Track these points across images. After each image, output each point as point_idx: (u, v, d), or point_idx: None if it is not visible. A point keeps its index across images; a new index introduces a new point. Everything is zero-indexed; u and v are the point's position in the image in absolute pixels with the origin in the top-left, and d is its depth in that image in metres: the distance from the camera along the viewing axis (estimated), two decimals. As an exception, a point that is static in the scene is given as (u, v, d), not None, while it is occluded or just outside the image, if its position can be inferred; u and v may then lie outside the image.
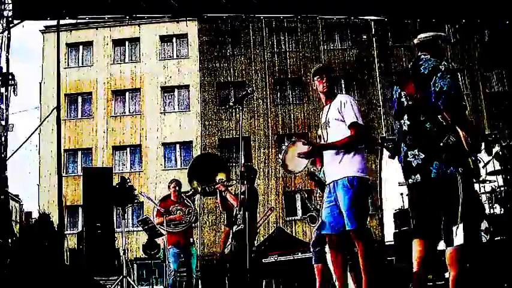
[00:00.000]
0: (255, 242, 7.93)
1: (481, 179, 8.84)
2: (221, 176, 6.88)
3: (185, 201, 7.90)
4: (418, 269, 3.46)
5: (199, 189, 7.07)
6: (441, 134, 3.36)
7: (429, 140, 3.39)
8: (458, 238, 3.32)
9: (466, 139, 3.34)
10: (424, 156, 3.40)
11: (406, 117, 3.52)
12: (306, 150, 4.34)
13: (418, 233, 3.50)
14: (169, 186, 8.11)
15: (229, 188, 6.87)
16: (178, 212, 7.76)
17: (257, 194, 6.93)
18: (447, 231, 3.39)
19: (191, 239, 7.85)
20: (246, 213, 5.60)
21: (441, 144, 3.34)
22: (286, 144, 4.55)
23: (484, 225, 7.81)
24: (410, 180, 3.50)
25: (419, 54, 3.62)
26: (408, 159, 3.49)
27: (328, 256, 4.84)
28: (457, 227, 3.31)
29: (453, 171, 3.32)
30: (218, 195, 6.89)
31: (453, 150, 3.34)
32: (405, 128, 3.52)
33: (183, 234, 7.70)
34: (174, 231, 7.65)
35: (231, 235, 6.66)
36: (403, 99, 3.56)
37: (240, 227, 6.44)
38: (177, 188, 7.95)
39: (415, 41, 3.68)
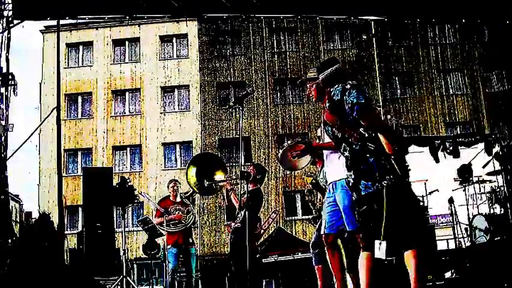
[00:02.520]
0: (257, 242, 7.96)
1: (481, 179, 8.85)
2: (220, 175, 6.89)
3: (184, 200, 7.92)
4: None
5: (197, 184, 7.03)
6: (365, 152, 3.57)
7: (357, 162, 3.62)
8: (381, 252, 3.45)
9: (388, 144, 3.50)
10: (354, 176, 3.63)
11: (344, 146, 3.72)
12: (299, 149, 4.47)
13: (366, 246, 3.64)
14: (168, 187, 8.14)
15: (234, 188, 6.90)
16: (177, 211, 7.78)
17: (261, 195, 6.92)
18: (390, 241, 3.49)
19: (190, 239, 7.85)
20: (246, 214, 5.60)
21: (363, 161, 3.55)
22: (288, 143, 4.62)
23: (484, 225, 7.82)
24: (353, 198, 3.72)
25: (329, 89, 3.82)
26: (348, 179, 3.72)
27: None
28: (380, 242, 3.46)
29: (377, 187, 3.49)
30: (225, 193, 6.94)
31: (374, 167, 3.52)
32: (347, 154, 3.72)
33: (183, 234, 7.71)
34: (173, 231, 7.67)
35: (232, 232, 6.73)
36: (337, 134, 3.78)
37: (237, 225, 6.51)
38: (175, 188, 7.98)
39: (321, 78, 3.90)
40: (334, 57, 4.15)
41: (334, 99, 3.71)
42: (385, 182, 3.47)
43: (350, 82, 3.67)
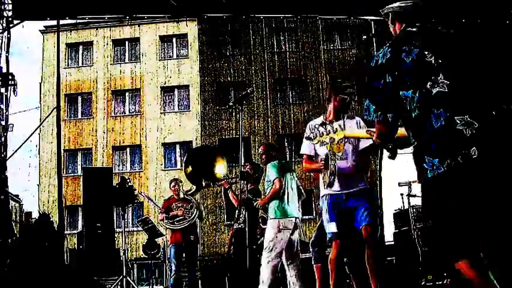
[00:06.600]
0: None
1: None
2: (220, 163, 6.89)
3: (186, 197, 7.95)
4: None
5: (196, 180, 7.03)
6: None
7: (482, 103, 2.47)
8: None
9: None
10: (479, 125, 2.38)
11: (441, 76, 2.48)
12: None
13: (465, 252, 2.40)
14: (170, 187, 8.19)
15: (232, 187, 6.91)
16: (180, 208, 7.81)
17: (260, 194, 6.93)
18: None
19: (192, 237, 7.85)
20: (247, 213, 5.60)
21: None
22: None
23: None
24: (459, 158, 2.34)
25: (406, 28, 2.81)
26: (458, 127, 2.38)
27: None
28: None
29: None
30: (223, 192, 7.00)
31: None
32: (441, 89, 2.46)
33: (185, 232, 7.73)
34: (178, 228, 7.69)
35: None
36: (430, 59, 2.54)
37: (240, 226, 6.50)
38: (176, 187, 8.03)
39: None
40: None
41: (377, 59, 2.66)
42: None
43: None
